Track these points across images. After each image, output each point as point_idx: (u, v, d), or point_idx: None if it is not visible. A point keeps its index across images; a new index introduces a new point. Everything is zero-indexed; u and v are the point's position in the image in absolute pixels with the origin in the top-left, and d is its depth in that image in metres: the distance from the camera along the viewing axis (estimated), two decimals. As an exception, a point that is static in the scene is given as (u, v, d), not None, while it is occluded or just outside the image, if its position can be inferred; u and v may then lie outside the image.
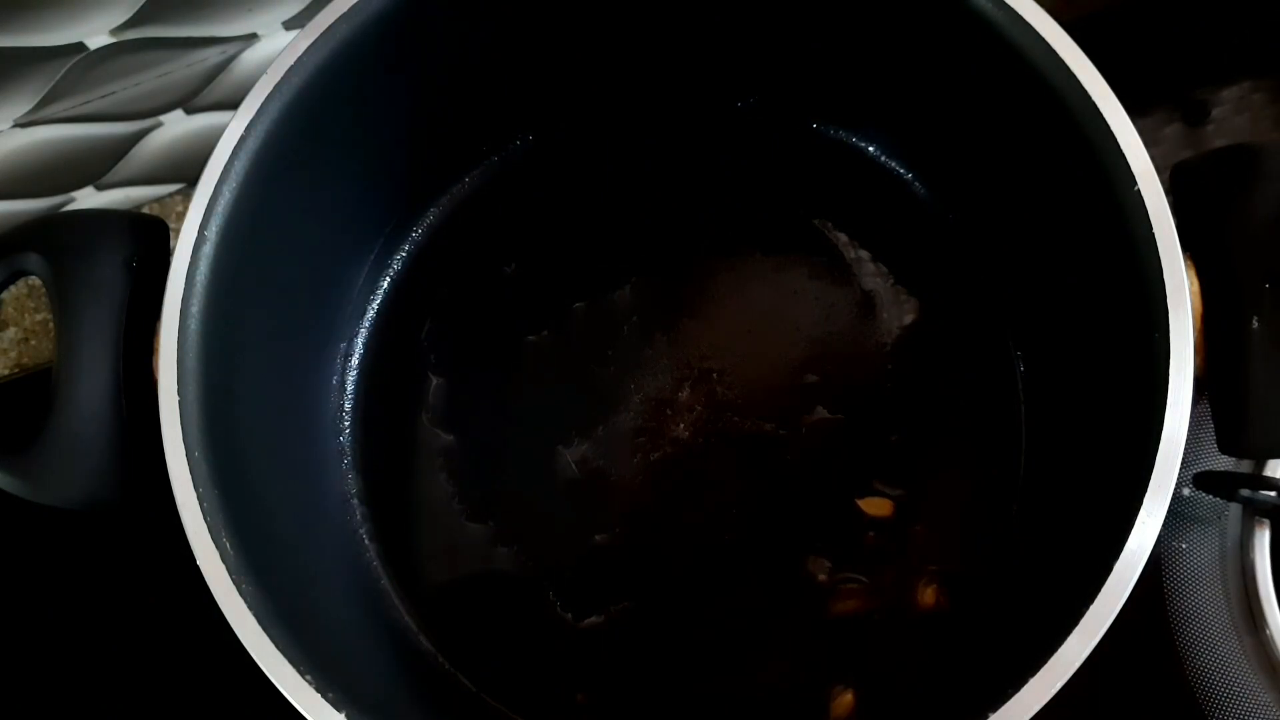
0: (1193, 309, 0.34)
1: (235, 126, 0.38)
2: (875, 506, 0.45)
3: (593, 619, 0.44)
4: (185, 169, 0.57)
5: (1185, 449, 0.33)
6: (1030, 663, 0.32)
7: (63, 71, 0.48)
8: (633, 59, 0.48)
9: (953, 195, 0.48)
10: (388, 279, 0.50)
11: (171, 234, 0.39)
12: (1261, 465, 0.45)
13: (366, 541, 0.46)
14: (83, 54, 0.47)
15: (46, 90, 0.48)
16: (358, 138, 0.43)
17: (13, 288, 0.46)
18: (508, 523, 0.46)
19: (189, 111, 0.53)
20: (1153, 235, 0.34)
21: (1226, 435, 0.35)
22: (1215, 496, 0.45)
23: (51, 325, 0.40)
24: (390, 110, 0.44)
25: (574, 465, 0.46)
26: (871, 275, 0.48)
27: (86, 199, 0.56)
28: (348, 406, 0.48)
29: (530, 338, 0.48)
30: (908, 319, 0.47)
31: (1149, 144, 0.35)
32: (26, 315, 0.56)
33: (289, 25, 0.51)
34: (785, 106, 0.50)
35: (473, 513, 0.46)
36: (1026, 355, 0.46)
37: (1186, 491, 0.46)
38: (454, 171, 0.50)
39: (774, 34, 0.46)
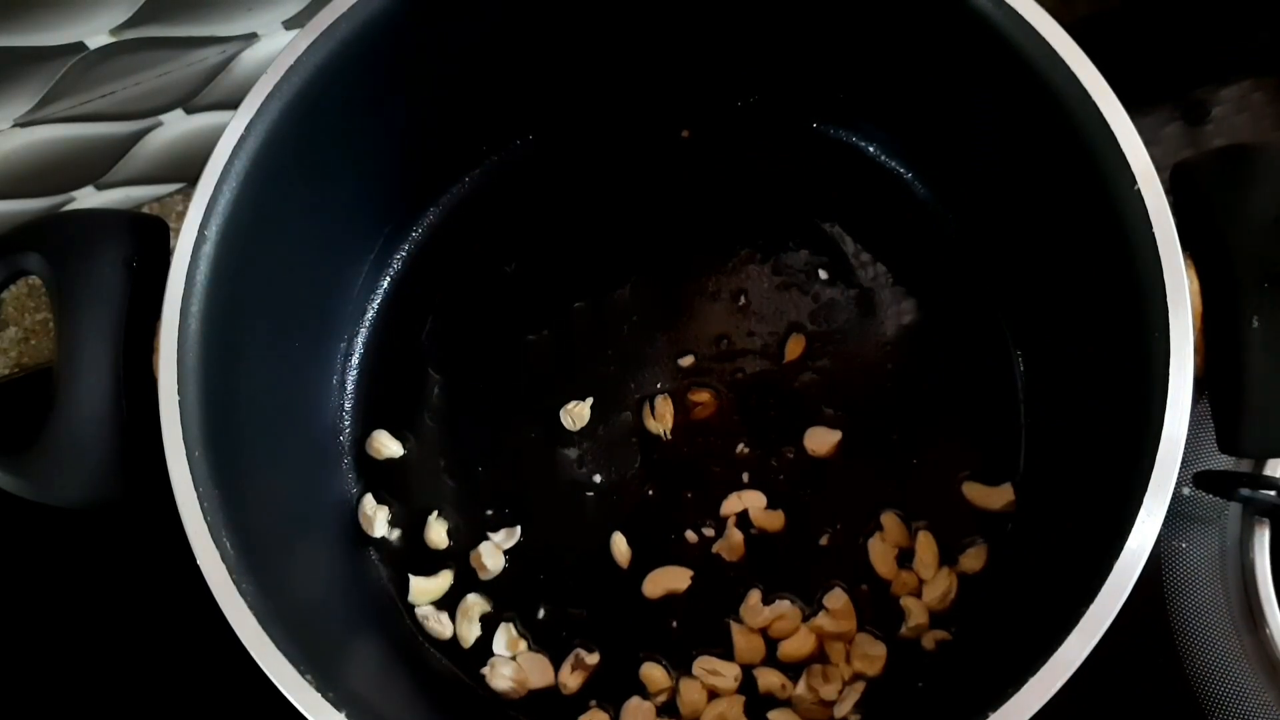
0: (1193, 309, 0.34)
1: (235, 126, 0.38)
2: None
3: (594, 616, 0.45)
4: (185, 169, 0.57)
5: (1185, 448, 0.33)
6: (1030, 663, 0.32)
7: (63, 71, 0.48)
8: (633, 58, 0.48)
9: (953, 195, 0.48)
10: (388, 279, 0.50)
11: (171, 234, 0.39)
12: (1261, 464, 0.45)
13: (368, 539, 0.46)
14: (83, 54, 0.47)
15: (46, 90, 0.48)
16: (358, 137, 0.43)
17: (13, 288, 0.46)
18: (508, 523, 0.46)
19: (189, 111, 0.53)
20: (1153, 235, 0.34)
21: (1226, 435, 0.35)
22: (1215, 496, 0.45)
23: (51, 325, 0.40)
24: (390, 110, 0.44)
25: (575, 465, 0.46)
26: (871, 275, 0.48)
27: (86, 199, 0.56)
28: (348, 406, 0.48)
29: (530, 337, 0.48)
30: (908, 319, 0.47)
31: (1149, 144, 0.35)
32: (26, 315, 0.56)
33: (289, 25, 0.51)
34: (785, 106, 0.50)
35: (473, 513, 0.46)
36: (1026, 355, 0.46)
37: (1186, 491, 0.46)
38: (454, 171, 0.50)
39: (774, 34, 0.46)
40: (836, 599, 0.43)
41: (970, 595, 0.43)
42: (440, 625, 0.44)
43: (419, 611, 0.45)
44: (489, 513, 0.46)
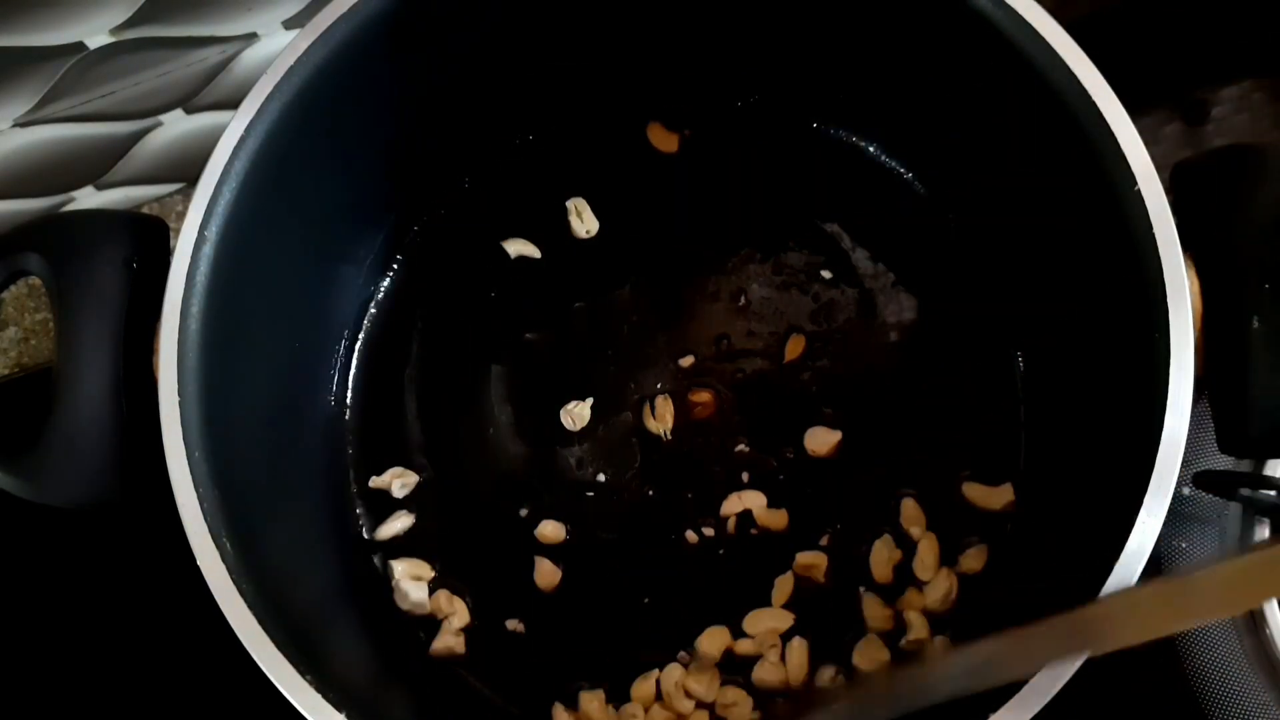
0: (1193, 309, 0.34)
1: (235, 126, 0.38)
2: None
3: (593, 617, 0.45)
4: (185, 169, 0.57)
5: (1185, 448, 0.33)
6: (1030, 663, 0.32)
7: (63, 71, 0.48)
8: (633, 58, 0.48)
9: (953, 195, 0.48)
10: (388, 278, 0.50)
11: (171, 234, 0.39)
12: (1261, 464, 0.45)
13: (367, 540, 0.46)
14: (83, 54, 0.47)
15: (46, 90, 0.48)
16: (358, 137, 0.43)
17: (13, 288, 0.45)
18: (508, 523, 0.46)
19: (189, 111, 0.53)
20: (1153, 235, 0.34)
21: (1226, 435, 0.35)
22: (1215, 496, 0.45)
23: (51, 325, 0.40)
24: (390, 109, 0.44)
25: (574, 465, 0.46)
26: (871, 275, 0.48)
27: (86, 199, 0.56)
28: (348, 406, 0.48)
29: (530, 337, 0.48)
30: (908, 319, 0.47)
31: (1149, 144, 0.35)
32: (26, 315, 0.56)
33: (289, 25, 0.51)
34: (785, 106, 0.50)
35: (473, 513, 0.46)
36: (1026, 355, 0.46)
37: (1186, 491, 0.46)
38: (454, 171, 0.50)
39: (774, 34, 0.46)
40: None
41: (970, 595, 0.43)
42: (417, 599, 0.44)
43: (405, 591, 0.44)
44: (489, 513, 0.46)
